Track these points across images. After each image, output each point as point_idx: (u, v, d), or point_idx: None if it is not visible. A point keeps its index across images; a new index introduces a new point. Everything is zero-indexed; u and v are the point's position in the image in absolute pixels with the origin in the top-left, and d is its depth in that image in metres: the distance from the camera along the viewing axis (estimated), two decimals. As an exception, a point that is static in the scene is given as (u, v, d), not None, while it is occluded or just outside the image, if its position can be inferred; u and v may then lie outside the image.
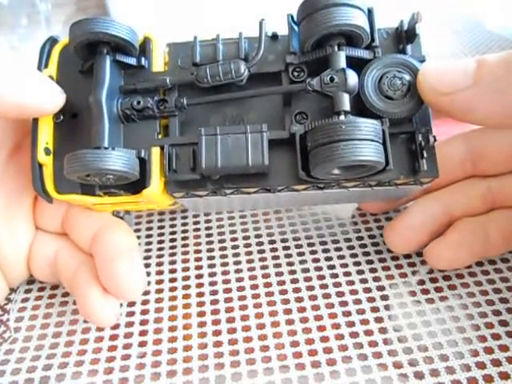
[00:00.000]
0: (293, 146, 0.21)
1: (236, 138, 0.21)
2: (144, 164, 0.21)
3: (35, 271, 0.25)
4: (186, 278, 0.26)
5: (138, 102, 0.21)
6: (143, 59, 0.22)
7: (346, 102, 0.20)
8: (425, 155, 0.20)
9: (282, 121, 0.22)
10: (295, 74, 0.22)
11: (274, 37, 0.22)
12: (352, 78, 0.20)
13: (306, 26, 0.20)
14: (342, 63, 0.20)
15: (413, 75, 0.20)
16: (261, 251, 0.27)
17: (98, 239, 0.23)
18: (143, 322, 0.24)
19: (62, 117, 0.22)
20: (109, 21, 0.20)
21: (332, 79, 0.20)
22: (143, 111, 0.21)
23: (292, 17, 0.22)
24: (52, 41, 0.23)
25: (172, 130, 0.22)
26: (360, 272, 0.26)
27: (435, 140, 0.21)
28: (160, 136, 0.22)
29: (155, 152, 0.21)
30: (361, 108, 0.21)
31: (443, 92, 0.19)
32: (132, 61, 0.22)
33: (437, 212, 0.25)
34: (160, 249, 0.28)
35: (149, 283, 0.26)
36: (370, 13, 0.21)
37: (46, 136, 0.22)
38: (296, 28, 0.21)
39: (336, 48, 0.20)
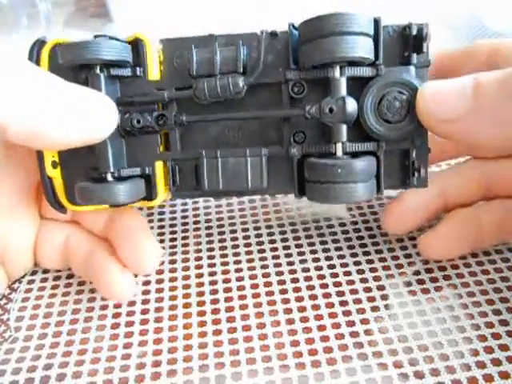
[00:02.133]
0: (290, 161, 0.22)
1: (236, 162, 0.22)
2: (149, 177, 0.23)
3: (43, 259, 0.26)
4: (186, 278, 0.26)
5: (138, 121, 0.21)
6: (138, 69, 0.22)
7: (343, 133, 0.21)
8: (416, 174, 0.21)
9: (281, 132, 0.22)
10: (295, 89, 0.21)
11: (273, 34, 0.22)
12: (351, 106, 0.20)
13: (309, 51, 0.20)
14: (343, 91, 0.20)
15: (413, 96, 0.20)
16: (261, 251, 0.27)
17: (113, 221, 0.25)
18: (143, 322, 0.24)
19: None
20: (99, 44, 0.20)
21: (331, 110, 0.20)
22: (143, 128, 0.22)
23: (293, 27, 0.21)
24: (40, 43, 0.22)
25: (173, 144, 0.22)
26: (360, 271, 0.26)
27: (429, 151, 0.21)
28: (161, 147, 0.23)
29: (159, 166, 0.23)
30: (359, 125, 0.21)
31: (442, 119, 0.19)
32: (127, 72, 0.22)
33: (431, 194, 0.25)
34: (160, 248, 0.28)
35: (149, 283, 0.26)
36: (376, 24, 0.20)
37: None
38: (296, 35, 0.21)
39: (338, 73, 0.20)
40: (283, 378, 0.21)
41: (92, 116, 0.20)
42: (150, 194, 0.23)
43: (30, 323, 0.25)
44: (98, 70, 0.21)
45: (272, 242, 0.28)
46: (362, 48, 0.19)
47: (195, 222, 0.30)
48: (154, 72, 0.22)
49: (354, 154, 0.21)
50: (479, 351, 0.22)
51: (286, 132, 0.22)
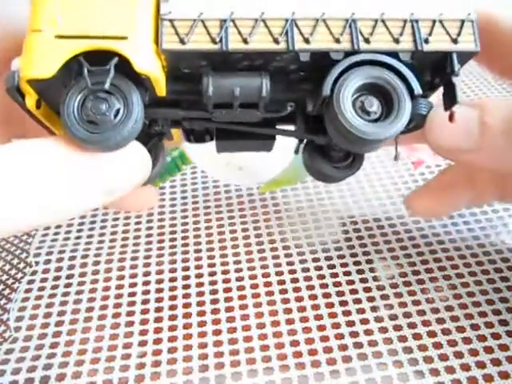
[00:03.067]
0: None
1: (249, 141, 0.22)
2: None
3: None
4: (185, 278, 0.26)
5: (155, 130, 0.21)
6: (147, 96, 0.18)
7: (342, 150, 0.21)
8: None
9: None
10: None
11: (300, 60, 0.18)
12: None
13: (339, 142, 0.19)
14: None
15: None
16: (261, 251, 0.27)
17: None
18: (143, 322, 0.24)
19: None
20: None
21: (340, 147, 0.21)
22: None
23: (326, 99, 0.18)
24: (13, 77, 0.17)
25: (185, 124, 0.21)
26: (360, 271, 0.26)
27: None
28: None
29: (175, 130, 0.23)
30: None
31: (450, 152, 0.19)
32: None
33: None
34: (160, 248, 0.28)
35: (149, 283, 0.26)
36: (412, 99, 0.18)
37: None
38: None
39: None
40: (283, 378, 0.21)
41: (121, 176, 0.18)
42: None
43: (30, 323, 0.25)
44: None
45: (272, 242, 0.28)
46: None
47: (195, 222, 0.30)
48: (162, 89, 0.18)
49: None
50: (479, 351, 0.22)
51: (300, 126, 0.22)
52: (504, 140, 0.18)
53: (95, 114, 0.16)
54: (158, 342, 0.23)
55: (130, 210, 0.28)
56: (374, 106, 0.17)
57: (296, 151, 0.23)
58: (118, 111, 0.16)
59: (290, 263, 0.26)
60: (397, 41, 0.18)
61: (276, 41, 0.17)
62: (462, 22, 0.18)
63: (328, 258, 0.27)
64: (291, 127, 0.22)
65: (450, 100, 0.18)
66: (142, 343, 0.23)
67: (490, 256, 0.26)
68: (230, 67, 0.18)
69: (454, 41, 0.18)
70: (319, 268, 0.26)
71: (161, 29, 0.17)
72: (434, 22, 0.18)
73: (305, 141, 0.23)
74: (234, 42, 0.17)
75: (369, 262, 0.26)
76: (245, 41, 0.17)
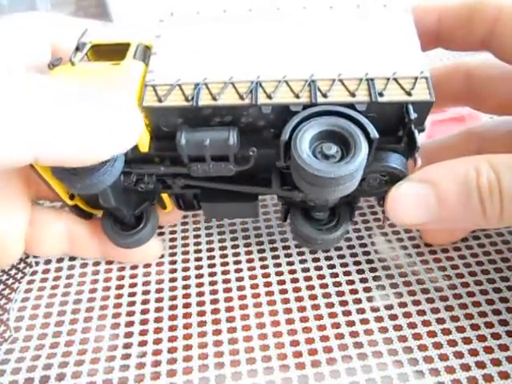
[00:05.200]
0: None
1: (232, 206, 0.24)
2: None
3: (42, 247, 0.26)
4: (186, 278, 0.26)
5: (141, 188, 0.23)
6: (129, 150, 0.20)
7: (325, 209, 0.23)
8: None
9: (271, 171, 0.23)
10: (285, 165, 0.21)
11: (264, 112, 0.20)
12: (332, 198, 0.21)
13: (302, 187, 0.19)
14: None
15: (395, 177, 0.21)
16: (261, 251, 0.27)
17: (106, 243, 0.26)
18: (143, 322, 0.24)
19: None
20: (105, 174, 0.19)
21: (315, 202, 0.22)
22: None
23: (288, 142, 0.19)
24: None
25: (174, 187, 0.24)
26: (360, 271, 0.26)
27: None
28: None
29: (165, 195, 0.25)
30: None
31: (409, 225, 0.21)
32: None
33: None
34: (160, 248, 0.28)
35: (149, 283, 0.26)
36: (370, 144, 0.19)
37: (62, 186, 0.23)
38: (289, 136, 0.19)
39: None
40: (283, 378, 0.21)
41: (120, 131, 0.19)
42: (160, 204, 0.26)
43: (30, 323, 0.25)
44: None
45: (272, 242, 0.28)
46: (354, 185, 0.19)
47: (195, 222, 0.30)
48: (144, 144, 0.21)
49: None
50: (479, 351, 0.22)
51: (275, 181, 0.22)
52: (461, 209, 0.19)
53: None
54: (157, 342, 0.23)
55: (133, 262, 0.28)
56: (333, 149, 0.18)
57: (283, 219, 0.25)
58: None
59: (290, 263, 0.27)
60: (353, 94, 0.19)
61: (241, 97, 0.19)
62: (416, 78, 0.19)
63: (328, 258, 0.27)
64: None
65: (412, 147, 0.19)
66: (142, 343, 0.23)
67: (489, 256, 0.26)
68: (202, 124, 0.20)
69: (408, 93, 0.19)
70: (319, 268, 0.26)
71: (144, 92, 0.20)
72: (388, 79, 0.19)
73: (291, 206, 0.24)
74: (204, 100, 0.19)
75: (369, 262, 0.26)
76: (214, 98, 0.19)
